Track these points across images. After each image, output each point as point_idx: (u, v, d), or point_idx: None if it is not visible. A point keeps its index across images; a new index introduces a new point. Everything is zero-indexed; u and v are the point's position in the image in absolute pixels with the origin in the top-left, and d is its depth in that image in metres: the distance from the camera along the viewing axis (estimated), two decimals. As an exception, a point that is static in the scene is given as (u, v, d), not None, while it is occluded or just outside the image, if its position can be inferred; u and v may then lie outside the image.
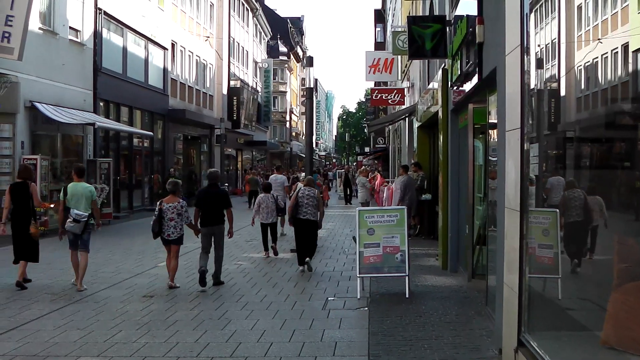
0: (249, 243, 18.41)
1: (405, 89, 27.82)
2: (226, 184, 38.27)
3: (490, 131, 9.58)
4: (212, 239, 12.37)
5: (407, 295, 10.90)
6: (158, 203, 12.27)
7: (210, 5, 44.20)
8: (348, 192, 38.28)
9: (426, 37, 12.97)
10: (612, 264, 4.93)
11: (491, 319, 8.83)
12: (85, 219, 11.82)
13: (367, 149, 73.41)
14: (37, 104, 20.94)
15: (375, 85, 39.78)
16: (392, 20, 37.91)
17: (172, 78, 35.65)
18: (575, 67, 5.53)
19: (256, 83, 62.20)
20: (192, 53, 39.81)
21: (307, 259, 13.76)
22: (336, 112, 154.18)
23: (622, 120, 4.84)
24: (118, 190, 27.25)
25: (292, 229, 14.43)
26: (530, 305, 6.42)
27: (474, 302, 10.46)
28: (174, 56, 36.15)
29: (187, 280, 12.72)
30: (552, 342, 6.08)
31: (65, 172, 22.08)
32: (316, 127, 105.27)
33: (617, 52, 4.76)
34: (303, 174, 21.32)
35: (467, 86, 10.75)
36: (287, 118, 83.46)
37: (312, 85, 18.76)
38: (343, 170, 45.90)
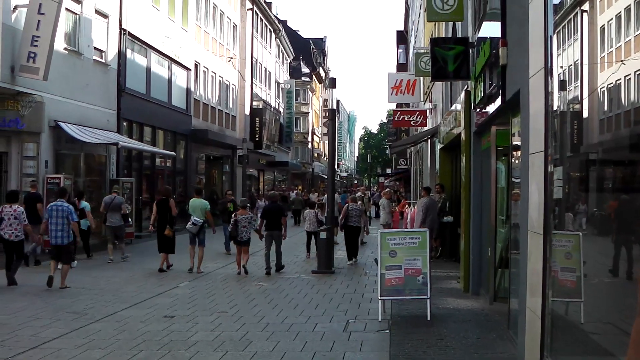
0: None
1: (428, 111, 27.76)
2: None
3: (513, 153, 9.54)
4: (273, 241, 16.98)
5: (428, 318, 10.84)
6: (233, 215, 17.43)
7: (234, 26, 44.53)
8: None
9: (449, 59, 12.95)
10: (635, 288, 4.86)
11: (513, 343, 8.74)
12: (200, 223, 17.10)
13: (388, 170, 73.22)
14: (62, 124, 21.16)
15: (397, 107, 39.73)
16: (415, 42, 37.87)
17: (195, 98, 35.86)
18: (599, 89, 5.49)
19: (278, 104, 62.41)
20: (215, 74, 40.06)
21: (354, 259, 18.89)
22: (358, 132, 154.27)
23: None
24: (140, 209, 27.35)
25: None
26: (553, 329, 6.35)
27: (495, 326, 10.37)
28: (197, 77, 36.39)
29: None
30: (575, 367, 6.00)
31: (87, 191, 22.20)
32: (338, 148, 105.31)
33: (640, 74, 4.72)
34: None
35: (490, 108, 10.71)
36: (309, 139, 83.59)
37: (334, 107, 18.99)
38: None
